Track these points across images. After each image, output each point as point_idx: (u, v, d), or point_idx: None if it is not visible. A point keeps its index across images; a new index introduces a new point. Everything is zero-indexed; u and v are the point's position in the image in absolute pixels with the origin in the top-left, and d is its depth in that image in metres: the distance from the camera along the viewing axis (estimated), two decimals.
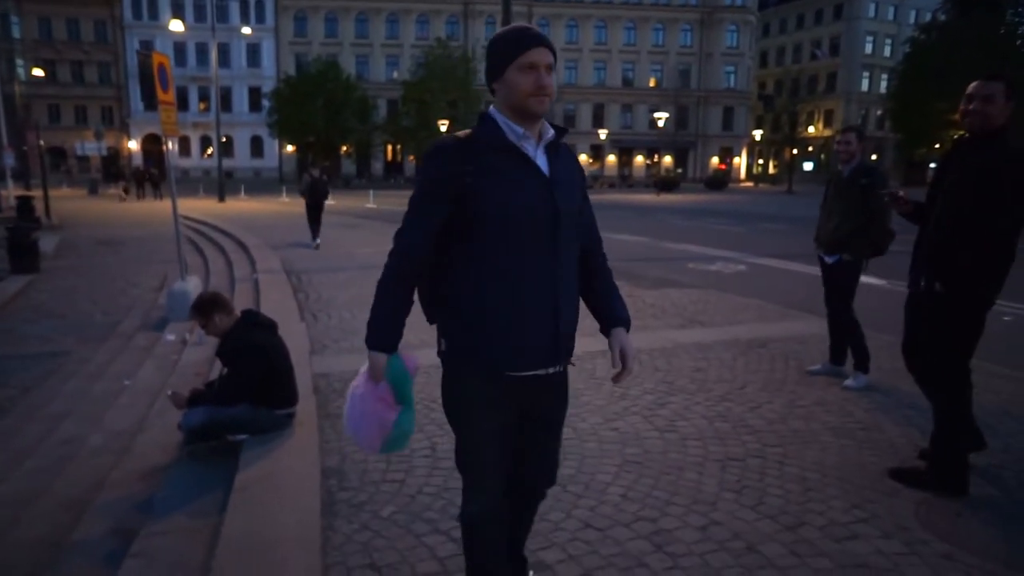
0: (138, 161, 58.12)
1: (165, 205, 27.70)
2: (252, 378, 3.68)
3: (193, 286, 8.62)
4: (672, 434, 3.80)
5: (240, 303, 8.43)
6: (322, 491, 3.17)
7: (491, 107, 1.92)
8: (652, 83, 65.49)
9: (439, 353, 2.01)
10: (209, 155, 57.96)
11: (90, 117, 57.33)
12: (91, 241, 15.94)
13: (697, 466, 3.42)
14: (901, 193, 3.35)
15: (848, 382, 4.67)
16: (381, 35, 61.37)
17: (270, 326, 3.95)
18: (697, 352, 5.52)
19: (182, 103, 58.75)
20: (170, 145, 8.34)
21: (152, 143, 58.60)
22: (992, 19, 47.88)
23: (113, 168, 56.59)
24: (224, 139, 58.28)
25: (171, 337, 7.21)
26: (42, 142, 27.16)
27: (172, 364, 6.24)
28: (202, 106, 58.28)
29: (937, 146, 53.08)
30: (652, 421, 4.00)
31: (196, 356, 6.20)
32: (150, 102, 7.62)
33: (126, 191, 33.36)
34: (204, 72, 54.42)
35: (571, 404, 4.24)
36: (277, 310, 7.38)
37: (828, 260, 4.83)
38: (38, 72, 47.21)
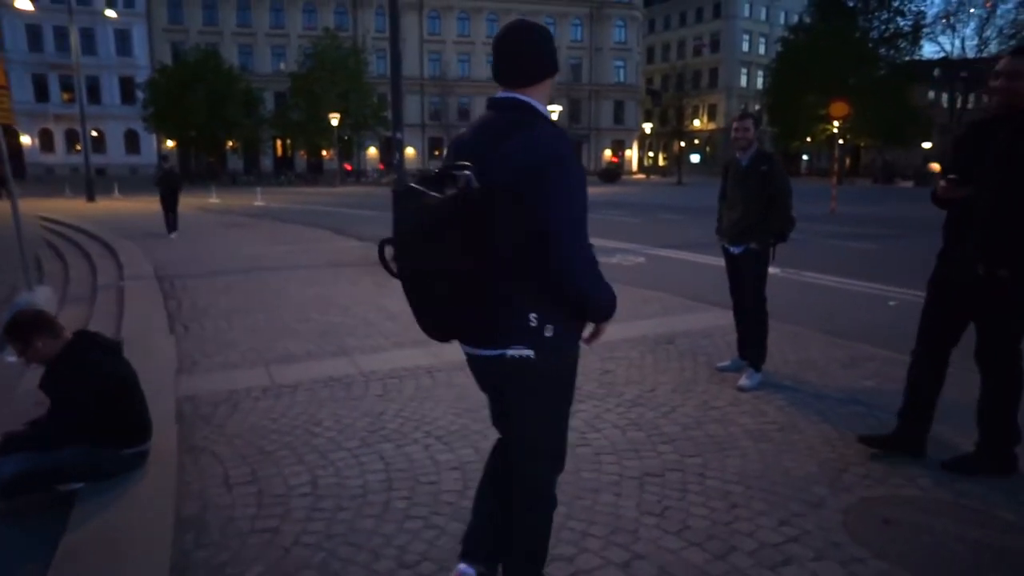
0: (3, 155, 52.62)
1: (8, 204, 25.02)
2: (84, 413, 3.03)
3: (43, 298, 7.54)
4: (584, 448, 3.48)
5: (101, 314, 7.48)
6: (173, 551, 2.60)
7: (533, 100, 1.89)
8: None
9: (542, 339, 1.86)
10: (77, 151, 53.21)
11: None
12: None
13: (613, 486, 3.10)
14: (951, 177, 3.06)
15: (742, 382, 4.47)
16: (265, 24, 58.40)
17: (110, 348, 3.29)
18: (603, 351, 5.25)
19: (41, 93, 53.69)
20: None
21: (6, 136, 53.11)
22: (847, 24, 51.75)
23: None
24: (95, 133, 53.96)
25: (12, 359, 6.18)
26: None
27: (8, 392, 5.33)
28: (66, 96, 53.32)
29: (809, 139, 56.63)
30: None
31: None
32: None
33: None
34: (66, 60, 49.80)
35: (469, 416, 3.80)
36: (142, 321, 6.57)
37: (734, 251, 4.66)
38: None
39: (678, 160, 56.32)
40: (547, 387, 1.95)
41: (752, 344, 4.59)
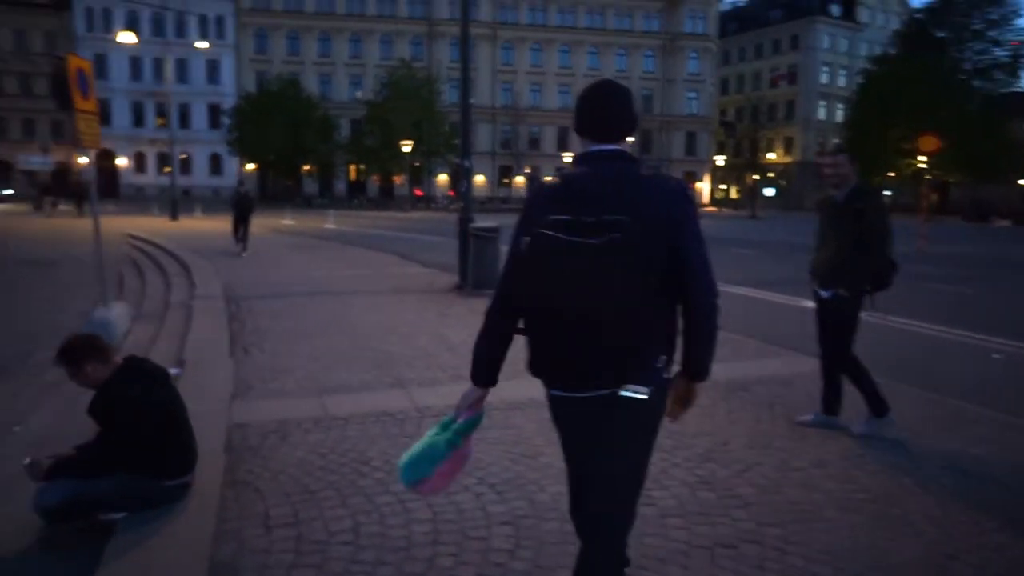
0: (89, 176, 56.12)
1: (106, 222, 26.43)
2: (129, 441, 2.94)
3: (117, 314, 7.79)
4: (649, 508, 3.16)
5: (168, 332, 7.61)
6: None
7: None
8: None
9: (660, 378, 1.92)
10: (167, 172, 56.31)
11: (39, 131, 55.25)
12: (17, 261, 14.76)
13: (681, 555, 2.78)
14: None
15: (857, 427, 4.14)
16: (344, 54, 60.70)
17: (157, 375, 3.21)
18: None
19: (138, 119, 57.22)
20: (87, 158, 7.54)
21: (104, 159, 56.69)
22: (936, 56, 49.63)
23: (63, 183, 54.61)
24: (183, 156, 57.02)
25: None
26: None
27: (80, 409, 5.41)
28: (159, 122, 56.65)
29: (892, 174, 54.39)
30: None
31: None
32: (62, 104, 6.85)
33: (53, 205, 31.92)
34: (161, 88, 52.98)
35: (525, 463, 3.55)
36: (205, 342, 6.61)
37: (823, 294, 4.28)
38: None
39: (752, 193, 54.97)
40: (650, 428, 2.00)
41: (865, 396, 4.21)
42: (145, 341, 7.23)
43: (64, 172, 55.62)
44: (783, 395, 5.02)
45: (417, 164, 53.85)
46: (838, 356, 4.26)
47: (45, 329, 8.35)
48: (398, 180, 56.94)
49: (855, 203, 4.05)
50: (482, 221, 10.24)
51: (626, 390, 1.84)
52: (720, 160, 64.23)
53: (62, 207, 33.22)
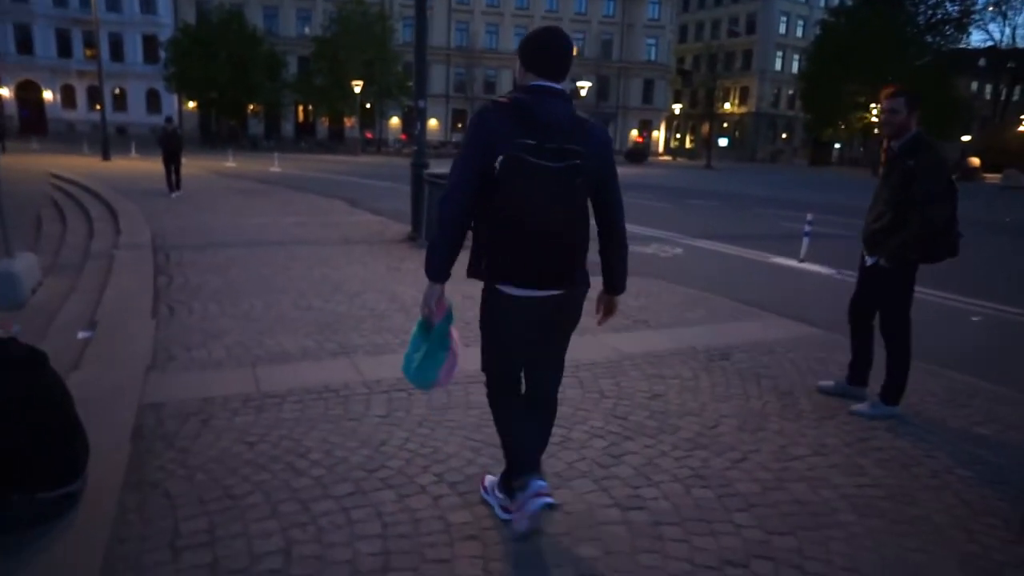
0: (11, 110, 52.20)
1: (29, 160, 24.51)
2: None
3: (24, 266, 6.86)
4: (638, 513, 2.69)
5: (84, 287, 6.78)
6: None
7: None
8: (574, 52, 64.21)
9: (587, 280, 2.38)
10: (99, 108, 52.78)
11: None
12: None
13: None
14: None
15: (859, 406, 3.76)
16: None
17: (28, 363, 2.53)
18: (649, 367, 4.46)
19: (64, 48, 53.15)
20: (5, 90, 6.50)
21: (28, 91, 52.77)
22: (893, 10, 49.54)
23: None
24: (116, 91, 53.38)
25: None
26: None
27: None
28: (89, 53, 52.61)
29: (843, 126, 54.85)
30: (608, 488, 2.88)
31: None
32: None
33: None
34: (89, 15, 49.09)
35: (489, 452, 3.06)
36: (125, 300, 5.86)
37: (868, 260, 3.79)
38: None
39: (708, 143, 54.83)
40: (579, 316, 2.43)
41: (891, 374, 3.75)
42: (56, 298, 6.42)
43: None
44: (767, 365, 4.61)
45: (368, 106, 51.70)
46: (889, 330, 3.75)
47: None
48: (348, 123, 54.67)
49: (906, 158, 3.50)
50: (436, 167, 9.52)
51: (578, 288, 2.31)
52: (677, 108, 63.65)
53: None
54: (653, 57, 66.17)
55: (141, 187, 15.98)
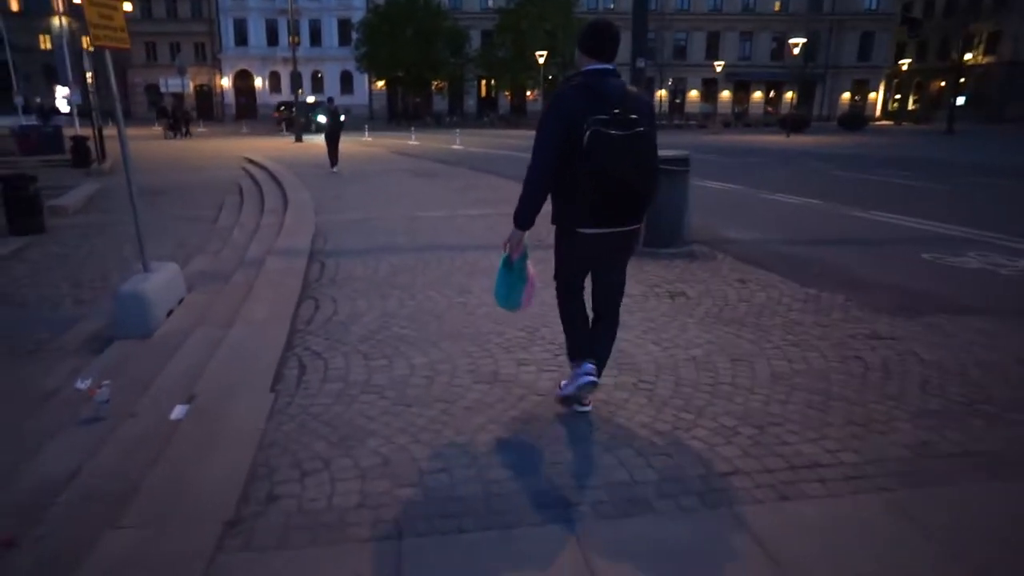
0: (230, 98, 56.89)
1: (233, 144, 25.42)
2: None
3: (160, 282, 5.47)
4: None
5: (215, 315, 5.27)
6: None
7: None
8: (776, 7, 57.72)
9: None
10: (301, 92, 56.06)
11: (184, 54, 56.28)
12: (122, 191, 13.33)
13: None
14: None
15: None
16: None
17: None
18: None
19: (272, 38, 56.77)
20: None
21: (243, 79, 57.17)
22: None
23: (206, 105, 55.75)
24: (318, 75, 56.27)
25: (82, 385, 4.06)
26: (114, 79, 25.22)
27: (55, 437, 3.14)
28: (293, 40, 55.91)
29: None
30: None
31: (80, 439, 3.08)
32: None
33: (171, 128, 32.67)
34: (293, 4, 51.89)
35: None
36: (244, 349, 4.16)
37: None
38: (127, 7, 45.93)
39: (946, 104, 46.31)
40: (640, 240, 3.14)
41: None
42: (184, 329, 4.97)
43: (208, 95, 56.81)
44: None
45: (551, 77, 49.86)
46: None
47: (113, 285, 6.46)
48: (531, 95, 53.29)
49: None
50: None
51: (640, 223, 2.96)
52: (905, 64, 54.60)
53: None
54: (873, 5, 57.52)
55: (325, 170, 15.38)
